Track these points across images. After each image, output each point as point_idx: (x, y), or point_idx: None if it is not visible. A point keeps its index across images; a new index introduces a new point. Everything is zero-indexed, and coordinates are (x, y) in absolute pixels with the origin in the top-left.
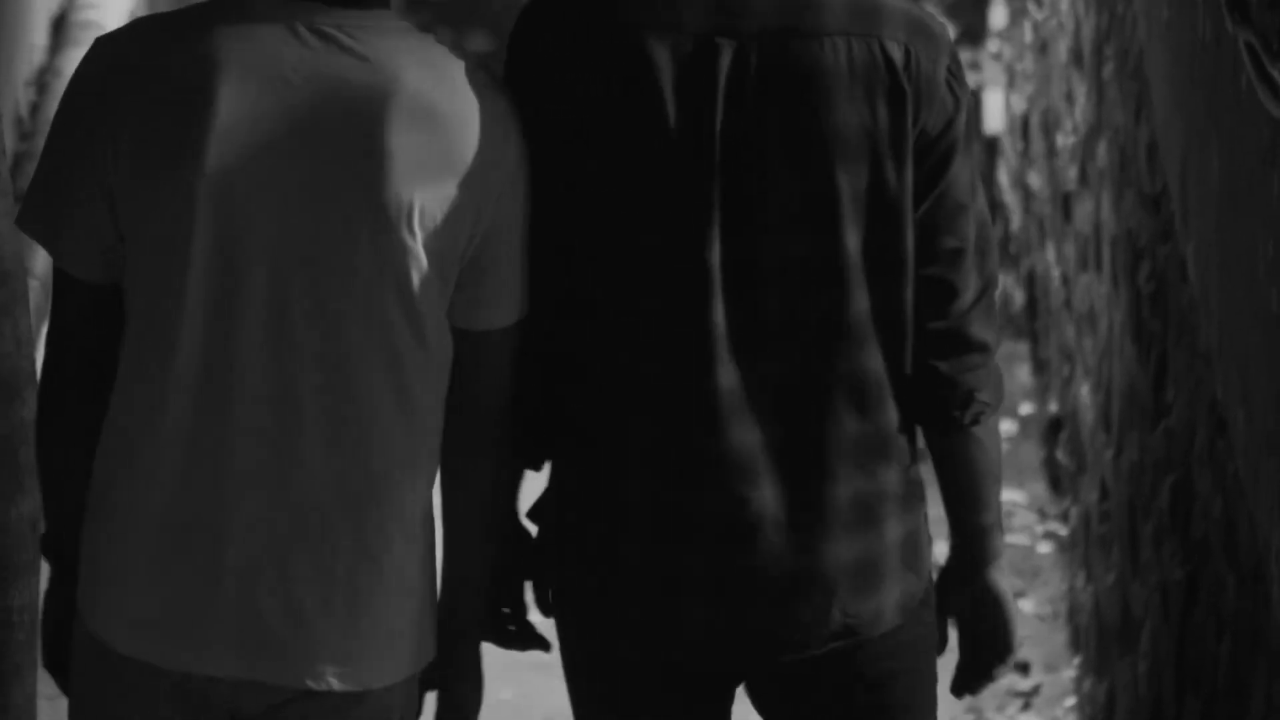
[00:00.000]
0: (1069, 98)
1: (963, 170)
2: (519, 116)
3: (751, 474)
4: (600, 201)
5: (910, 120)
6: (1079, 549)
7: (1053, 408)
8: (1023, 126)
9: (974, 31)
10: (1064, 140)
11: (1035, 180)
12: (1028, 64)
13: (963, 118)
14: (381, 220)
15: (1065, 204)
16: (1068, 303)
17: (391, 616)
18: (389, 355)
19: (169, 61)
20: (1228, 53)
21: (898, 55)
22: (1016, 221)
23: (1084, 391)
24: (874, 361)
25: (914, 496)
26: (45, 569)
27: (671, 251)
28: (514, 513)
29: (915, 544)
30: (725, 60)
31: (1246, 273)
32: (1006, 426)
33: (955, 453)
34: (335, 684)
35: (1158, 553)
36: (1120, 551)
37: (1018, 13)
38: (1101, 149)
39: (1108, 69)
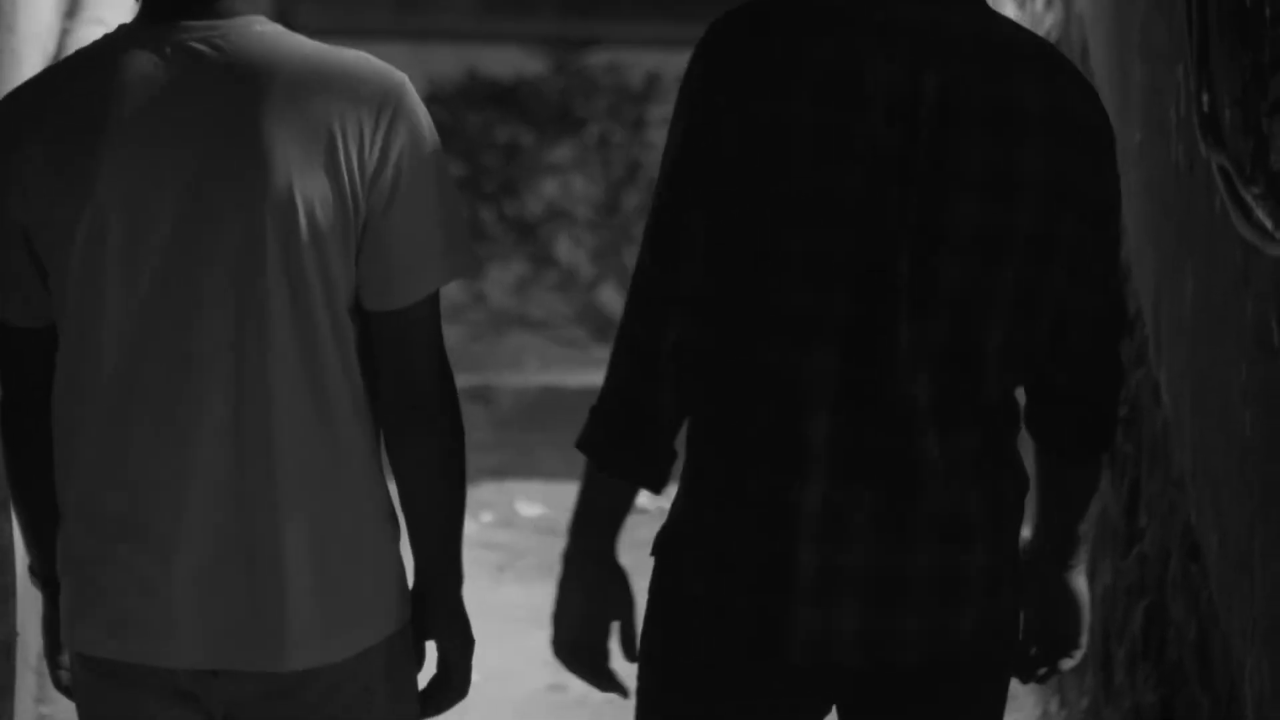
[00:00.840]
0: None
1: (1122, 217)
2: (409, 93)
3: (945, 478)
4: (798, 210)
5: (1082, 164)
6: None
7: (1025, 533)
8: None
9: None
10: None
11: None
12: None
13: (1116, 165)
14: (269, 212)
15: None
16: None
17: (342, 593)
18: (300, 342)
19: (60, 101)
20: (1201, 177)
21: (1077, 104)
22: None
23: None
24: (1014, 388)
25: (1020, 509)
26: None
27: (862, 264)
28: (609, 552)
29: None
30: (931, 92)
31: (1220, 397)
32: None
33: (1083, 474)
34: (298, 664)
35: (1131, 677)
36: (1094, 676)
37: None
38: None
39: None
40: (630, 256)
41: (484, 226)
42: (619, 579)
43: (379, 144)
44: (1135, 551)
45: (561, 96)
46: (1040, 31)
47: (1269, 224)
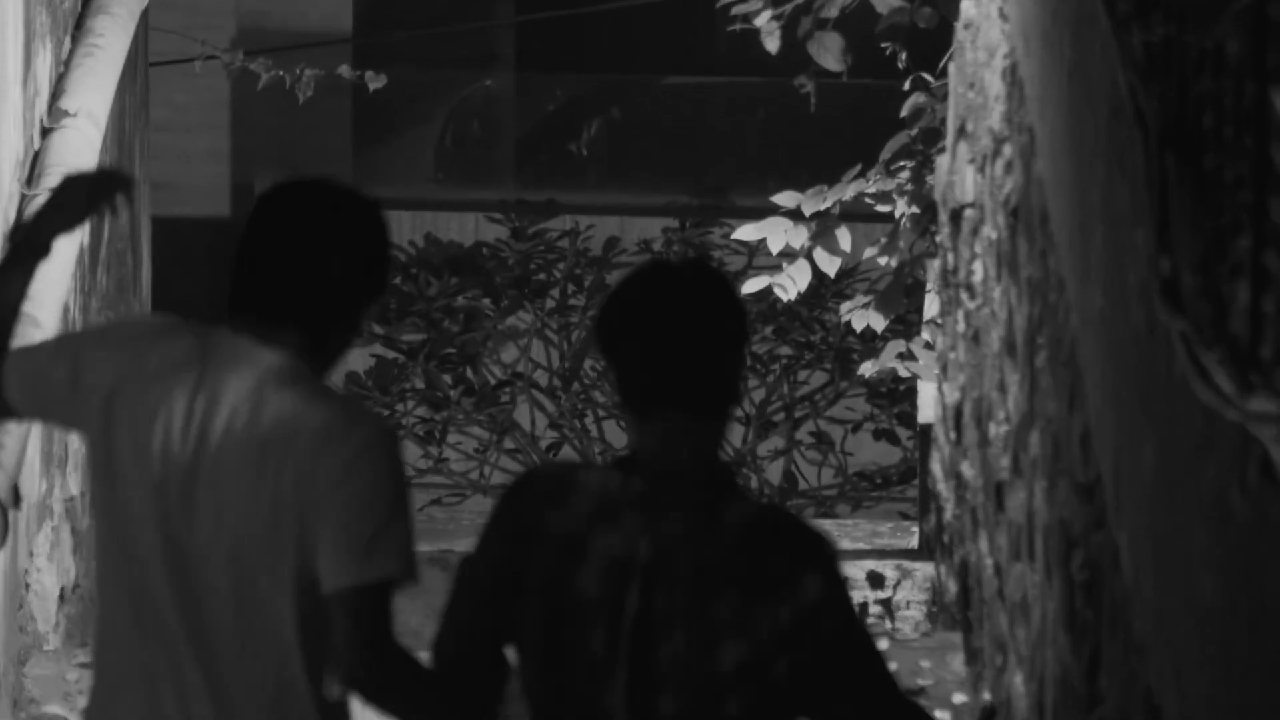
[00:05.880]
0: (1001, 387)
1: (848, 648)
2: (380, 437)
3: None
4: (528, 652)
5: (788, 611)
6: None
7: (986, 697)
8: (955, 416)
9: (906, 321)
10: (996, 429)
11: (968, 470)
12: (960, 353)
13: (839, 603)
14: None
15: (998, 493)
16: (1000, 592)
17: None
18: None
19: (159, 355)
20: (1161, 342)
21: (780, 564)
22: (949, 511)
23: (1017, 681)
24: None
25: None
26: None
27: (585, 701)
28: None
29: None
30: (644, 556)
31: (1181, 562)
32: (940, 716)
33: None
34: None
35: None
36: None
37: (950, 302)
38: (1034, 438)
39: (1040, 358)
40: (591, 422)
41: (444, 392)
42: None
43: (319, 472)
44: (1095, 716)
45: (521, 262)
46: (1000, 195)
47: (1229, 389)
